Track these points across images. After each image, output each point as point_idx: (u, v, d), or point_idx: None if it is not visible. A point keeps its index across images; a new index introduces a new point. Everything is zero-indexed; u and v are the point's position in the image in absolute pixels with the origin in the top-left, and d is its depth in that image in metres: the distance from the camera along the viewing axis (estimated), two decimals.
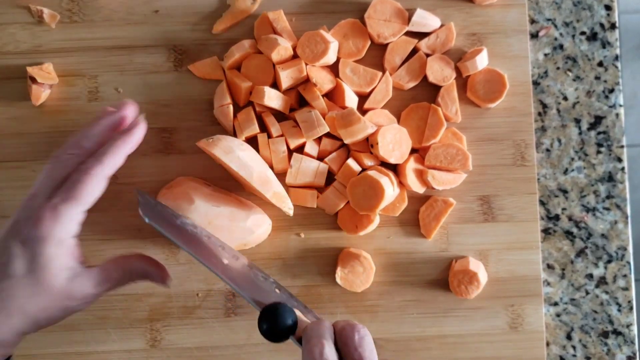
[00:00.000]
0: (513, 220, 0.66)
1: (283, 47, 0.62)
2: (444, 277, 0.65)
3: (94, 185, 0.51)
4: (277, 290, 0.57)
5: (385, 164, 0.64)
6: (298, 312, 0.51)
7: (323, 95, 0.64)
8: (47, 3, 0.66)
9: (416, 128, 0.65)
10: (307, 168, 0.63)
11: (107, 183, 0.52)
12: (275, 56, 0.63)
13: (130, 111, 0.56)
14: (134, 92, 0.66)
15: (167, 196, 0.61)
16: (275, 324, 0.49)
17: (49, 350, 0.65)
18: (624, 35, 1.54)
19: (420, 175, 0.64)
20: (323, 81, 0.63)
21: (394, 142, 0.62)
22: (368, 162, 0.63)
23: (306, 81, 0.64)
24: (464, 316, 0.65)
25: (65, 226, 0.50)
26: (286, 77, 0.63)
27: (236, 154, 0.59)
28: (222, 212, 0.61)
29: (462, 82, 0.65)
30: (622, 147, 0.68)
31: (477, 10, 0.66)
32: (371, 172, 0.61)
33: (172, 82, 0.66)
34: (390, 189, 0.61)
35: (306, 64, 0.63)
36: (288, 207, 0.61)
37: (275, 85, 0.65)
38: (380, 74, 0.65)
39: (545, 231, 0.67)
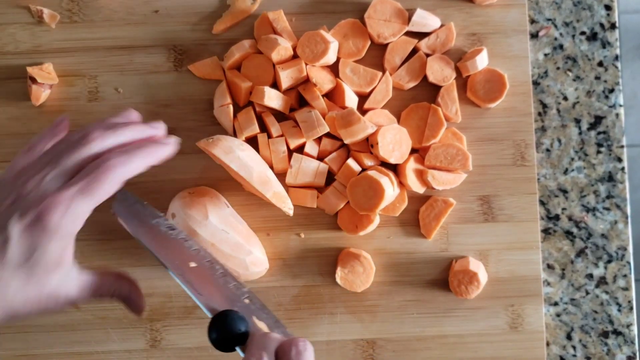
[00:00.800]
0: (513, 220, 0.66)
1: (283, 47, 0.62)
2: (444, 277, 0.65)
3: (113, 185, 0.47)
4: (246, 301, 0.53)
5: (385, 164, 0.64)
6: (262, 324, 0.49)
7: (323, 95, 0.64)
8: (47, 3, 0.66)
9: (416, 128, 0.65)
10: (307, 168, 0.63)
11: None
12: (275, 56, 0.63)
13: (161, 130, 0.53)
14: (133, 92, 0.66)
15: (186, 200, 0.61)
16: (224, 331, 0.47)
17: (48, 350, 0.65)
18: (624, 35, 1.54)
19: (421, 175, 0.64)
20: (323, 81, 0.63)
21: (394, 142, 0.62)
22: (368, 162, 0.63)
23: (306, 81, 0.64)
24: (464, 316, 0.65)
25: (75, 221, 0.45)
26: (286, 77, 0.63)
27: (236, 154, 0.59)
28: (228, 239, 0.61)
29: (462, 82, 0.65)
30: (622, 147, 0.68)
31: (477, 10, 0.66)
32: (371, 172, 0.61)
33: (172, 82, 0.66)
34: (390, 189, 0.61)
35: (306, 64, 0.63)
36: (288, 207, 0.61)
37: (275, 85, 0.65)
38: (380, 74, 0.65)
39: (545, 231, 0.67)
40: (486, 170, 0.66)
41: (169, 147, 0.51)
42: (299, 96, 0.65)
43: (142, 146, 0.49)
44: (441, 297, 0.65)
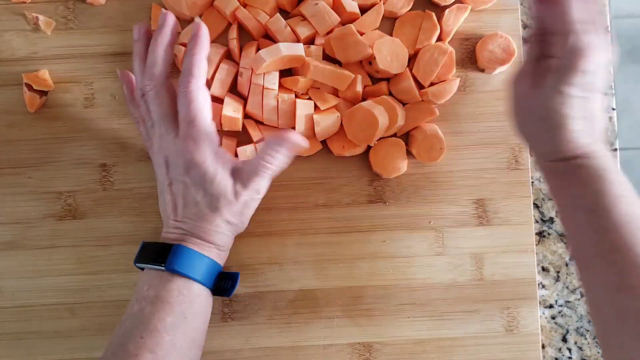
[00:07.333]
0: (508, 223, 0.66)
1: None
2: (441, 281, 0.66)
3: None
4: None
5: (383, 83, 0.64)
6: None
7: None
8: (43, 10, 0.66)
9: (409, 36, 0.65)
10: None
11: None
12: None
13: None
14: None
15: None
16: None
17: (46, 357, 0.65)
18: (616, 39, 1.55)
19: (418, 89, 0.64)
20: None
21: (391, 54, 0.63)
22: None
23: None
24: (459, 319, 0.66)
25: (206, 114, 0.57)
26: None
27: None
28: None
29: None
30: (615, 150, 0.68)
31: (471, 15, 0.67)
32: (365, 104, 0.62)
33: None
34: (383, 117, 0.62)
35: None
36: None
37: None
38: None
39: (540, 234, 0.68)
40: (481, 174, 0.66)
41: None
42: None
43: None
44: (437, 300, 0.66)
